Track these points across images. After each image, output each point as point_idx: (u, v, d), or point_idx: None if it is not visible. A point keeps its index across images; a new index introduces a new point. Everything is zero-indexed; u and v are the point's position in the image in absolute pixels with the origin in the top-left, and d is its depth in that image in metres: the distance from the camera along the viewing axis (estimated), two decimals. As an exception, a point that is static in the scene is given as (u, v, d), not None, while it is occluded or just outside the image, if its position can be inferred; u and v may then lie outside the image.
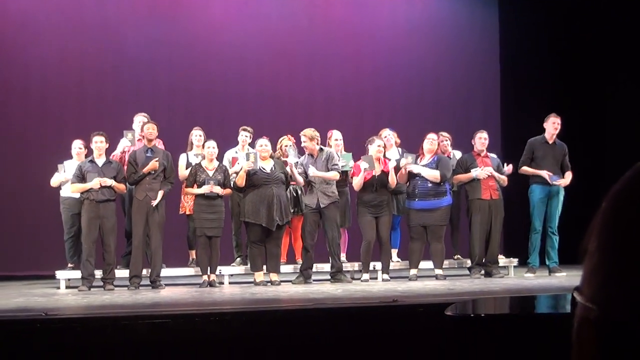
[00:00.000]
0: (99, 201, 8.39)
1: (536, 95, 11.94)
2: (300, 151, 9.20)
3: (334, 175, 8.76)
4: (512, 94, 12.50)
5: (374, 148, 8.84)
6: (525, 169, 9.27)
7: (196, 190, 8.58)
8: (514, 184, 9.55)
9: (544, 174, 9.08)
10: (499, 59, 12.79)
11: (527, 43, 12.47)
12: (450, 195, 9.06)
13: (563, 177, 9.19)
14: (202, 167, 8.64)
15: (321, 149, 8.89)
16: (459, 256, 9.85)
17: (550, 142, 9.25)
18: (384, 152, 9.14)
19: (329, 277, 8.89)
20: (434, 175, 8.84)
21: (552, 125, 9.22)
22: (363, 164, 8.71)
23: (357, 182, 8.78)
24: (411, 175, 8.91)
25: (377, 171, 8.68)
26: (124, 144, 9.32)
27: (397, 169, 8.91)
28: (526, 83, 12.31)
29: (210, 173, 8.58)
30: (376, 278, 8.91)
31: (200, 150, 9.16)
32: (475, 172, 9.04)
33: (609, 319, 0.95)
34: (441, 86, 12.64)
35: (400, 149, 9.67)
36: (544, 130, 9.30)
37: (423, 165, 8.90)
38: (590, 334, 0.98)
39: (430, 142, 9.01)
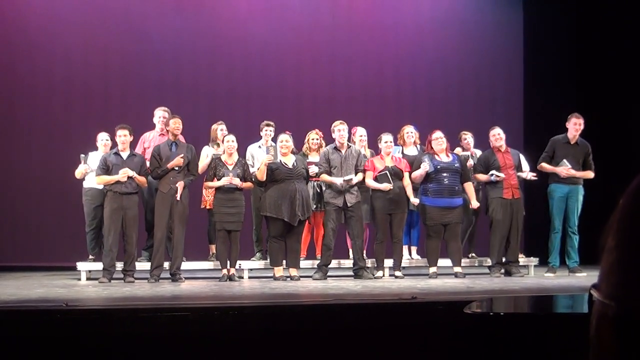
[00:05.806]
0: (123, 193, 8.44)
1: (559, 94, 11.85)
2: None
3: (360, 177, 8.85)
4: (535, 93, 12.42)
5: (382, 145, 9.04)
6: (544, 166, 9.22)
7: (215, 183, 8.60)
8: (534, 183, 9.48)
9: (560, 169, 9.04)
10: (522, 57, 12.71)
11: (551, 42, 12.39)
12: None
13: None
14: (221, 161, 8.66)
15: (349, 146, 8.92)
16: (473, 254, 9.81)
17: (572, 142, 9.18)
18: (402, 149, 9.33)
19: (349, 273, 8.89)
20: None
21: (574, 127, 9.14)
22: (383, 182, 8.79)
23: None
24: (428, 174, 8.89)
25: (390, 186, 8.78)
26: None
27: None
28: (549, 82, 12.22)
29: (230, 167, 8.60)
30: (393, 276, 8.88)
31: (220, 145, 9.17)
32: (492, 176, 8.98)
33: (628, 315, 0.95)
34: (464, 84, 12.59)
35: (419, 147, 9.63)
36: (567, 129, 9.23)
37: (445, 163, 8.89)
38: (609, 330, 0.98)
39: (438, 141, 8.99)
